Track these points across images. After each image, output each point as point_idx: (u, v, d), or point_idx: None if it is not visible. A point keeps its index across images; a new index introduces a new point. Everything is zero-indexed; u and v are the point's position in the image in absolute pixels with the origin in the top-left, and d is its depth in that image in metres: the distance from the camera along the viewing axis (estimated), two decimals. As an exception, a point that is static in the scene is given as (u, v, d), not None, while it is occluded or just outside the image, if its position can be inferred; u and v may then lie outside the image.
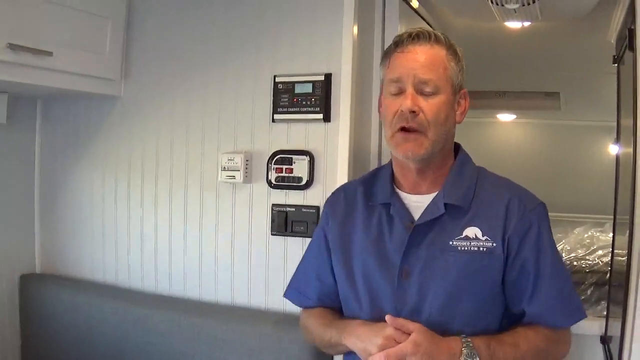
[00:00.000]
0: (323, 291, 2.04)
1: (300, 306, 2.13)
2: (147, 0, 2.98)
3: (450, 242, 1.80)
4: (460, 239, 1.80)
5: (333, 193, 2.14)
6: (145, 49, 2.99)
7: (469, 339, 1.70)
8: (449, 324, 1.78)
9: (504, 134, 7.50)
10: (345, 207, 2.02)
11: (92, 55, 2.82)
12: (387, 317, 1.74)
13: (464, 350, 1.68)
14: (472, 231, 1.81)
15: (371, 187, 2.00)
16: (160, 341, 2.70)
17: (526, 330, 1.80)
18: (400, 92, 1.80)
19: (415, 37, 1.82)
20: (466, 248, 1.79)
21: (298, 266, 2.16)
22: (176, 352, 2.66)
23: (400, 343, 1.68)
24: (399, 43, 1.84)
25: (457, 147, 1.99)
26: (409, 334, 1.69)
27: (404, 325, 1.72)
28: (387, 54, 1.89)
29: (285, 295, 2.15)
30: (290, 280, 2.15)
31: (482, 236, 1.79)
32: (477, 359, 1.67)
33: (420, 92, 1.78)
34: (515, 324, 1.84)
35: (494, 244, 1.79)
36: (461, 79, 1.88)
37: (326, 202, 2.13)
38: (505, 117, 7.29)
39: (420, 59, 1.80)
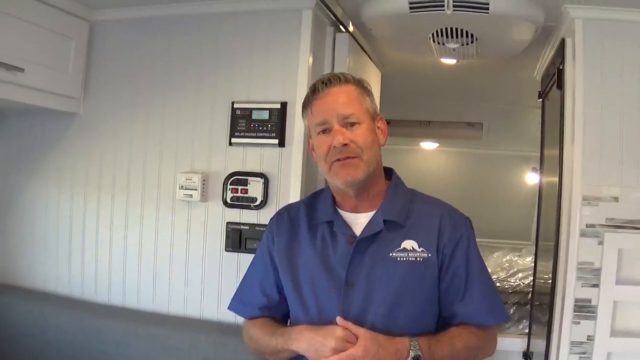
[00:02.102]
0: (266, 304, 2.17)
1: (243, 317, 2.25)
2: (109, 23, 3.11)
3: (390, 254, 2.00)
4: (399, 250, 2.00)
5: (277, 213, 2.28)
6: (106, 69, 3.11)
7: (417, 342, 1.89)
8: (392, 327, 1.96)
9: (427, 162, 7.69)
10: (289, 226, 2.18)
11: (56, 73, 2.92)
12: (338, 319, 1.91)
13: (412, 353, 1.87)
14: (409, 244, 2.01)
15: (313, 208, 2.18)
16: (116, 351, 2.79)
17: (460, 330, 2.01)
18: (328, 131, 2.00)
19: (327, 81, 2.03)
20: (405, 259, 1.99)
21: (241, 281, 2.28)
22: (132, 361, 2.77)
23: (349, 343, 1.86)
24: (315, 91, 2.05)
25: (389, 171, 2.20)
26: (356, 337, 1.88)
27: (352, 328, 1.90)
28: (306, 104, 2.09)
29: (230, 307, 2.27)
30: (235, 294, 2.27)
31: (419, 247, 2.00)
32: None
33: (345, 126, 1.98)
34: (448, 325, 2.04)
35: (430, 255, 2.00)
36: (375, 107, 2.10)
37: (270, 222, 2.27)
38: (428, 145, 7.49)
39: (338, 98, 2.01)
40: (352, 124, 1.98)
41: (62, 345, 2.88)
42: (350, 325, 1.91)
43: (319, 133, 2.02)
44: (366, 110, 2.04)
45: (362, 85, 2.08)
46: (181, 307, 2.93)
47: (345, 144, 1.95)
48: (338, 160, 1.98)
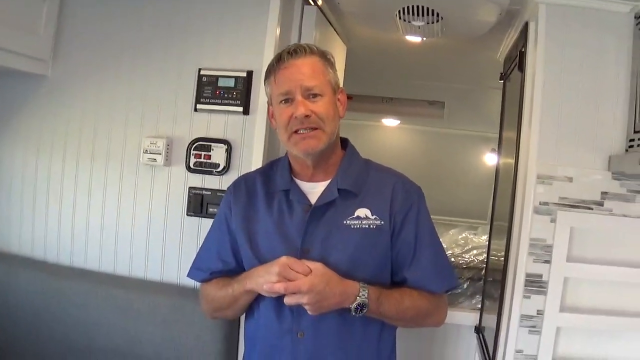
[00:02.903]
0: (222, 268, 2.22)
1: (201, 281, 2.29)
2: (81, -14, 3.08)
3: (344, 222, 2.07)
4: (353, 218, 2.07)
5: (234, 183, 2.31)
6: (76, 32, 3.09)
7: (366, 289, 1.97)
8: None
9: (388, 138, 7.77)
10: (246, 195, 2.23)
11: (27, 35, 2.90)
12: (283, 257, 1.97)
13: (358, 299, 1.95)
14: (362, 211, 2.08)
15: (269, 177, 2.23)
16: (77, 312, 2.82)
17: (412, 290, 2.09)
18: (290, 101, 2.04)
19: (293, 52, 2.05)
20: (358, 226, 2.06)
21: (199, 250, 2.33)
22: (92, 322, 2.80)
23: (293, 269, 1.93)
24: (280, 60, 2.07)
25: (344, 141, 2.25)
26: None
27: (309, 264, 1.96)
28: (270, 72, 2.11)
29: (188, 275, 2.31)
30: (193, 262, 2.31)
31: (372, 215, 2.07)
32: (365, 309, 1.97)
33: (307, 97, 2.03)
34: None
35: (382, 222, 2.07)
36: (337, 79, 2.15)
37: (227, 191, 2.30)
38: (390, 122, 7.58)
39: (303, 70, 2.04)
40: (315, 96, 2.02)
41: (23, 306, 2.90)
42: (306, 261, 1.96)
43: (280, 102, 2.06)
44: (329, 82, 2.08)
45: (326, 57, 2.11)
46: (142, 270, 2.96)
47: (307, 116, 1.99)
48: (297, 132, 2.02)
